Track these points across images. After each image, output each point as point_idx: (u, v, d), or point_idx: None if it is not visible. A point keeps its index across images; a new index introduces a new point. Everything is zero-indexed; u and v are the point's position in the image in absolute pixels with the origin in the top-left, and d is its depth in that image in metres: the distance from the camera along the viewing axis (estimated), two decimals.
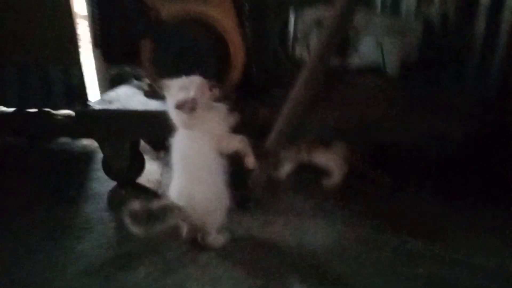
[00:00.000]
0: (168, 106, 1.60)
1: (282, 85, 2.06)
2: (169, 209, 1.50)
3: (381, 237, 1.75)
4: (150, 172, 2.38)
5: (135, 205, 1.43)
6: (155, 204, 1.47)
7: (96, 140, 2.16)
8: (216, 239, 1.65)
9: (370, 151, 2.16)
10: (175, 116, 1.59)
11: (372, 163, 2.20)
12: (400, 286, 1.47)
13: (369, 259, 1.60)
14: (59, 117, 3.18)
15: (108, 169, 2.22)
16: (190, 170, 1.57)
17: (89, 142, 2.96)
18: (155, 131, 2.02)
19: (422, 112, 1.95)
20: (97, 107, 2.07)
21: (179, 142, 1.60)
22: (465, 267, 1.56)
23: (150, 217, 1.44)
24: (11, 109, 3.21)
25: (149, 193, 2.17)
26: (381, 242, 1.71)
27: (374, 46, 2.02)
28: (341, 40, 1.69)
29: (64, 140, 3.01)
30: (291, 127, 1.72)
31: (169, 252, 1.64)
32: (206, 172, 1.57)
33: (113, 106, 2.09)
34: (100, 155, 2.68)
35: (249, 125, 1.74)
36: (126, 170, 2.19)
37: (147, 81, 2.25)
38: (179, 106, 1.52)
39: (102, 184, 2.28)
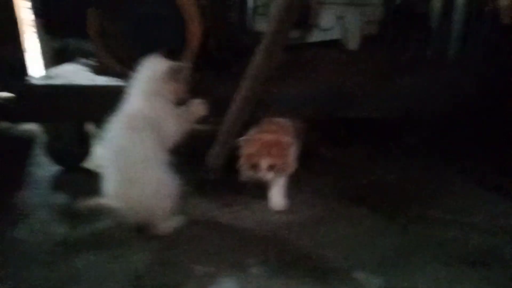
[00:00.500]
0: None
1: (241, 59, 1.99)
2: (102, 210, 1.39)
3: (349, 210, 1.74)
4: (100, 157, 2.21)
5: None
6: (83, 205, 1.36)
7: (38, 120, 1.97)
8: (166, 227, 1.54)
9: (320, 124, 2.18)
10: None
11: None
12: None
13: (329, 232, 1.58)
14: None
15: (51, 152, 2.03)
16: (125, 166, 1.43)
17: (29, 127, 2.72)
18: (104, 110, 1.87)
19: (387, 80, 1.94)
20: (39, 82, 1.88)
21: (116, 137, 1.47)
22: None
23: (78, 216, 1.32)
24: None
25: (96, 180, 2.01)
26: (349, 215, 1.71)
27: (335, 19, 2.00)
28: (301, 13, 1.64)
29: (4, 124, 2.75)
30: (249, 103, 1.64)
31: (116, 239, 1.51)
32: (142, 167, 1.43)
33: (57, 82, 1.91)
34: (41, 140, 2.50)
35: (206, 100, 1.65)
36: (70, 154, 2.02)
37: (96, 58, 2.08)
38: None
39: (44, 169, 2.09)
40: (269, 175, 1.67)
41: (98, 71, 2.07)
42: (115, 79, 1.96)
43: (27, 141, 2.49)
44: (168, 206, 1.49)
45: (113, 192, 1.41)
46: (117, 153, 1.43)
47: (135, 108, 1.51)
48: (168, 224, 1.54)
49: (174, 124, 1.56)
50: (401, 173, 2.12)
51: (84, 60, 2.36)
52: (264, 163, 1.64)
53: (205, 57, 1.84)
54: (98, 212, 1.42)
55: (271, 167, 1.66)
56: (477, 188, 1.95)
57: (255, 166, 1.66)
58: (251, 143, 1.69)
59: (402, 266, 1.41)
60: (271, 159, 1.63)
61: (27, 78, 1.91)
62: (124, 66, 1.96)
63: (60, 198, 1.81)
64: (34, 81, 1.90)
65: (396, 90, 1.91)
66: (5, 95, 2.87)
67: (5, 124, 2.74)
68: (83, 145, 2.10)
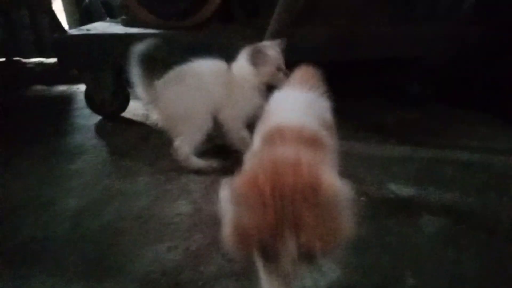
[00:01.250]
0: None
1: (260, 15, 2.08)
2: None
3: (379, 143, 1.85)
4: (136, 107, 2.33)
5: None
6: None
7: (77, 69, 2.09)
8: None
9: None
10: None
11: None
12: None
13: None
14: (31, 66, 3.06)
15: (91, 102, 2.17)
16: None
17: (65, 88, 2.87)
18: None
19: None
20: (75, 32, 1.99)
21: None
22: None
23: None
24: None
25: (134, 127, 2.14)
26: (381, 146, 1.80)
27: None
28: None
29: (39, 87, 2.90)
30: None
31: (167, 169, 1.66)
32: None
33: (94, 32, 2.02)
34: (78, 97, 2.64)
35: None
36: (110, 102, 2.15)
37: (126, 11, 2.17)
38: None
39: (88, 118, 2.24)
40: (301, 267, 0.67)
41: (128, 23, 2.17)
42: (145, 28, 2.06)
43: (66, 99, 2.64)
44: None
45: None
46: None
47: None
48: None
49: None
50: (423, 113, 2.21)
51: (109, 19, 2.48)
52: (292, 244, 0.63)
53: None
54: None
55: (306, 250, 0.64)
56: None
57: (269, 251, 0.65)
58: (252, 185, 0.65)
59: (430, 180, 1.52)
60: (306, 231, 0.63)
61: (66, 31, 2.02)
62: (155, 16, 2.06)
63: (104, 141, 1.96)
64: (73, 33, 2.01)
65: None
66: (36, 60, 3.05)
67: (40, 87, 2.90)
68: (120, 95, 2.22)
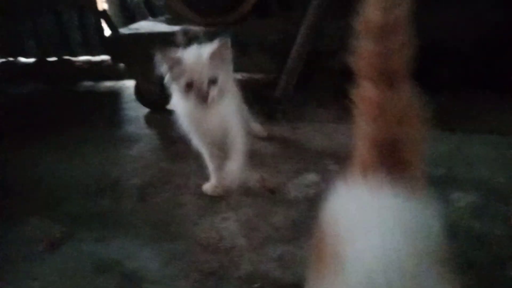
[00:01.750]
0: None
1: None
2: None
3: None
4: None
5: None
6: None
7: (128, 64, 2.30)
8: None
9: None
10: None
11: None
12: None
13: None
14: (79, 63, 3.33)
15: (140, 95, 2.38)
16: None
17: (111, 84, 3.11)
18: None
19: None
20: (127, 31, 2.21)
21: None
22: None
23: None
24: (32, 59, 3.37)
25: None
26: None
27: None
28: None
29: (87, 83, 3.17)
30: (309, 41, 1.86)
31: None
32: None
33: (141, 31, 2.23)
34: (124, 92, 2.87)
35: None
36: (156, 95, 2.35)
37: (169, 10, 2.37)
38: None
39: (136, 110, 2.46)
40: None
41: (171, 21, 2.36)
42: (188, 26, 2.25)
43: (113, 94, 2.89)
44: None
45: None
46: None
47: None
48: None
49: None
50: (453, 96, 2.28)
51: (152, 18, 2.69)
52: None
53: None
54: None
55: None
56: None
57: None
58: None
59: (460, 160, 1.62)
60: None
61: (117, 31, 2.24)
62: (197, 14, 2.24)
63: (154, 131, 2.17)
64: (123, 32, 2.22)
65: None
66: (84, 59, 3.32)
67: (88, 83, 3.16)
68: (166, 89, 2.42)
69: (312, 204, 1.40)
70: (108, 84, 3.12)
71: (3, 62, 3.49)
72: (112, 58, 2.31)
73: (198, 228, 1.34)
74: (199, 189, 1.55)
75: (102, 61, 3.29)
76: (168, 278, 1.14)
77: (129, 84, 2.95)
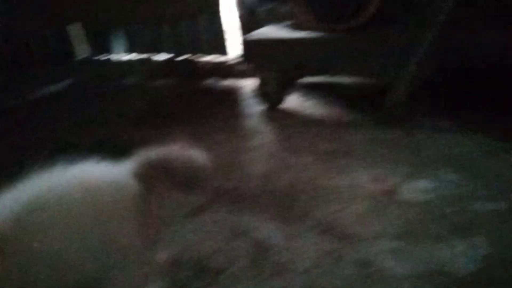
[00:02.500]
0: None
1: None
2: None
3: None
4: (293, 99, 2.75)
5: None
6: None
7: (255, 65, 2.59)
8: None
9: None
10: None
11: None
12: None
13: None
14: (203, 63, 3.79)
15: (262, 93, 2.64)
16: None
17: (231, 82, 3.47)
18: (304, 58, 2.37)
19: None
20: (255, 36, 2.49)
21: None
22: None
23: None
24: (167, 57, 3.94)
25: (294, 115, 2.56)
26: None
27: None
28: None
29: (210, 81, 3.58)
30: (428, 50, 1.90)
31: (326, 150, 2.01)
32: None
33: (268, 36, 2.49)
34: (243, 90, 3.19)
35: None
36: (277, 94, 2.59)
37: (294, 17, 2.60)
38: None
39: (254, 107, 2.73)
40: None
41: (295, 27, 2.58)
42: (312, 32, 2.44)
43: (233, 91, 3.23)
44: None
45: None
46: None
47: None
48: None
49: None
50: None
51: (273, 24, 2.94)
52: None
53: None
54: None
55: None
56: None
57: None
58: None
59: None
60: None
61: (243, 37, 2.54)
62: (321, 21, 2.41)
63: (271, 125, 2.41)
64: (250, 38, 2.51)
65: None
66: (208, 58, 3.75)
67: (213, 80, 3.56)
68: (283, 90, 2.65)
69: (423, 209, 1.47)
70: (228, 82, 3.50)
71: (142, 59, 4.13)
72: (244, 59, 2.62)
73: (317, 212, 1.51)
74: (312, 181, 1.73)
75: (223, 62, 3.68)
76: (291, 251, 1.33)
77: (246, 83, 3.27)
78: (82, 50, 4.47)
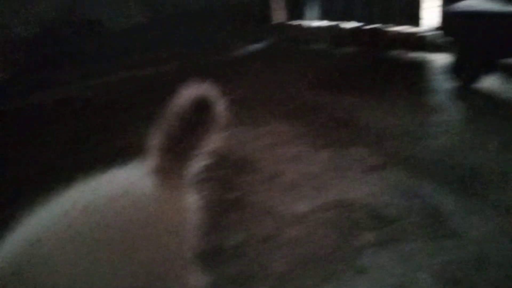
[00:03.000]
0: None
1: None
2: None
3: None
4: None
5: None
6: None
7: (456, 38, 2.50)
8: None
9: None
10: None
11: None
12: None
13: None
14: (391, 33, 3.76)
15: (457, 69, 2.53)
16: None
17: (417, 55, 3.38)
18: None
19: None
20: (463, 8, 2.38)
21: None
22: None
23: None
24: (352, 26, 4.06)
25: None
26: None
27: None
28: None
29: (396, 52, 3.56)
30: None
31: None
32: None
33: (476, 9, 2.35)
34: (430, 64, 3.08)
35: None
36: (473, 72, 2.46)
37: None
38: None
39: (444, 83, 2.65)
40: None
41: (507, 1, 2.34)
42: None
43: (420, 65, 3.17)
44: None
45: None
46: None
47: None
48: None
49: None
50: None
51: None
52: None
53: None
54: None
55: None
56: None
57: None
58: None
59: None
60: None
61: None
62: None
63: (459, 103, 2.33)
64: (453, 9, 2.41)
65: None
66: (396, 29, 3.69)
67: (399, 52, 3.53)
68: (482, 68, 2.48)
69: None
70: (415, 55, 3.41)
71: (331, 26, 4.34)
72: (443, 32, 2.56)
73: (503, 196, 1.50)
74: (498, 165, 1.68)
75: (414, 33, 3.58)
76: (467, 221, 1.38)
77: (436, 58, 3.14)
78: (279, 15, 4.98)
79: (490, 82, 2.51)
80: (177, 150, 0.88)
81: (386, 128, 2.13)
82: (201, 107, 0.89)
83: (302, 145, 2.06)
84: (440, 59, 3.04)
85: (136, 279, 0.81)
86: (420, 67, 3.10)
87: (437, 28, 3.00)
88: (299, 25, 4.70)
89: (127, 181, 0.87)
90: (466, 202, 1.48)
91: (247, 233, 1.45)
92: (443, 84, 2.63)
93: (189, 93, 0.89)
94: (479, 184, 1.58)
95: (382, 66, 3.28)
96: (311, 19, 4.60)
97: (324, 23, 4.46)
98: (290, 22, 4.88)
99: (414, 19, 3.63)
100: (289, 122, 2.34)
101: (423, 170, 1.71)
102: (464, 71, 2.48)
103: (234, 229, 1.48)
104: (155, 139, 0.89)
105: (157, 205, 0.85)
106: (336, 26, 4.27)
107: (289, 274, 1.25)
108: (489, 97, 2.38)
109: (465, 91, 2.49)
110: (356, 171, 1.77)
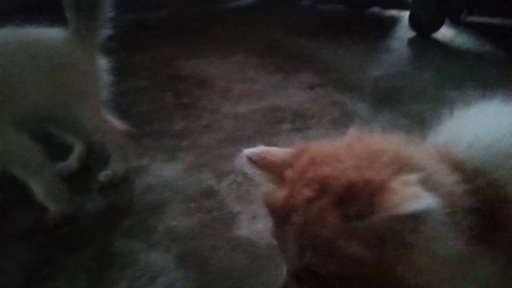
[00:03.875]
0: None
1: None
2: None
3: None
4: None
5: None
6: None
7: None
8: None
9: None
10: None
11: None
12: None
13: None
14: None
15: (412, 19, 2.77)
16: None
17: (392, 12, 3.59)
18: None
19: None
20: None
21: None
22: None
23: None
24: None
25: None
26: None
27: None
28: None
29: (375, 9, 3.76)
30: None
31: None
32: None
33: None
34: (398, 20, 3.30)
35: None
36: (430, 24, 2.69)
37: None
38: None
39: (401, 34, 2.89)
40: None
41: None
42: None
43: (391, 19, 3.39)
44: None
45: None
46: None
47: None
48: None
49: None
50: None
51: None
52: None
53: None
54: None
55: None
56: None
57: None
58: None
59: None
60: None
61: None
62: None
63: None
64: None
65: None
66: None
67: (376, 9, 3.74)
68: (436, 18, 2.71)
69: None
70: (392, 12, 3.62)
71: None
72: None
73: (403, 107, 1.78)
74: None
75: None
76: (369, 123, 1.68)
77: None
78: None
79: (446, 34, 2.75)
80: None
81: (338, 62, 2.41)
82: None
83: (259, 71, 2.34)
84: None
85: None
86: (391, 21, 3.32)
87: None
88: None
89: None
90: (378, 110, 1.77)
91: (189, 122, 1.76)
92: (405, 35, 2.87)
93: None
94: (397, 100, 1.86)
95: (358, 20, 3.51)
96: None
97: None
98: None
99: None
100: (254, 56, 2.61)
101: (354, 90, 2.00)
102: (421, 22, 2.71)
103: (178, 120, 1.79)
104: None
105: None
106: None
107: (213, 146, 1.57)
108: (439, 45, 2.62)
109: (421, 40, 2.73)
110: (296, 88, 2.06)
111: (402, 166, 0.53)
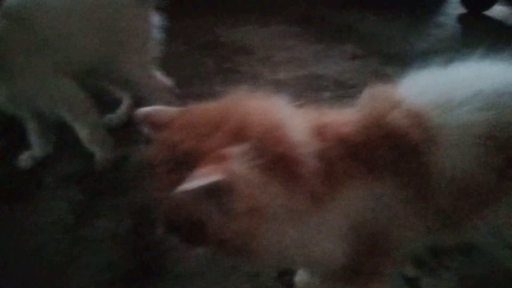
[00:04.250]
0: None
1: None
2: None
3: None
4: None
5: None
6: None
7: None
8: None
9: None
10: None
11: None
12: None
13: None
14: None
15: None
16: None
17: None
18: None
19: None
20: None
21: None
22: None
23: None
24: None
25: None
26: None
27: None
28: None
29: None
30: None
31: None
32: None
33: None
34: None
35: None
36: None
37: None
38: None
39: (450, 9, 2.78)
40: None
41: None
42: None
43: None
44: None
45: None
46: None
47: None
48: None
49: None
50: None
51: None
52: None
53: None
54: None
55: None
56: None
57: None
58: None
59: None
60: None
61: None
62: None
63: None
64: None
65: None
66: None
67: None
68: None
69: None
70: None
71: None
72: None
73: None
74: None
75: None
76: None
77: None
78: None
79: (500, 11, 2.62)
80: None
81: (382, 34, 2.36)
82: None
83: (299, 41, 2.33)
84: None
85: None
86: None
87: None
88: None
89: None
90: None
91: (229, 86, 1.79)
92: (455, 11, 2.76)
93: None
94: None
95: None
96: None
97: None
98: None
99: None
100: (294, 26, 2.59)
101: (398, 62, 1.97)
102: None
103: (219, 84, 1.82)
104: None
105: None
106: None
107: None
108: (491, 23, 2.50)
109: (472, 17, 2.62)
110: (337, 58, 2.05)
111: (237, 136, 0.56)
